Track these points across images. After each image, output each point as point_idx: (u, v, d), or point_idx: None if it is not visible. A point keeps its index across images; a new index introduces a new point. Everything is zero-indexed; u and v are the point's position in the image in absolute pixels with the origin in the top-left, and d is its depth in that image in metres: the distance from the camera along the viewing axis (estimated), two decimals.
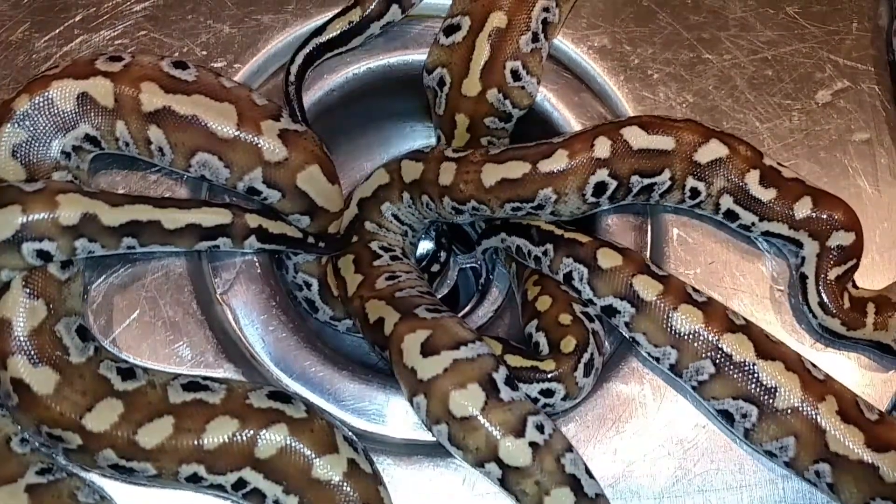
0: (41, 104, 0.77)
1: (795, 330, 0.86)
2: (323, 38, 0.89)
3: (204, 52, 0.90)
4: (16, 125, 0.77)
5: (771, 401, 0.78)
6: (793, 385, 0.78)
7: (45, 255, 0.75)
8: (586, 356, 0.81)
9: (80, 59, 0.81)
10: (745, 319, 0.82)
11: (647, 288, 0.81)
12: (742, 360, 0.79)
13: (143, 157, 0.81)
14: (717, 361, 0.79)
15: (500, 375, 0.76)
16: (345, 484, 0.76)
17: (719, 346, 0.79)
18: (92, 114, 0.78)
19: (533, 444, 0.74)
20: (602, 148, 0.81)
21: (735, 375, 0.79)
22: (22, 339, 0.74)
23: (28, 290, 0.75)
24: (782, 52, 0.93)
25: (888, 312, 0.84)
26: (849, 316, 0.84)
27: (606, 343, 0.86)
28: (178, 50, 0.89)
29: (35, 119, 0.77)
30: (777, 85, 0.92)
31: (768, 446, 0.80)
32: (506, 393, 0.75)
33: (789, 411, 0.78)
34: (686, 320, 0.80)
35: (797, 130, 0.91)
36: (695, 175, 0.83)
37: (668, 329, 0.80)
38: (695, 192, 0.84)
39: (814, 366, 0.81)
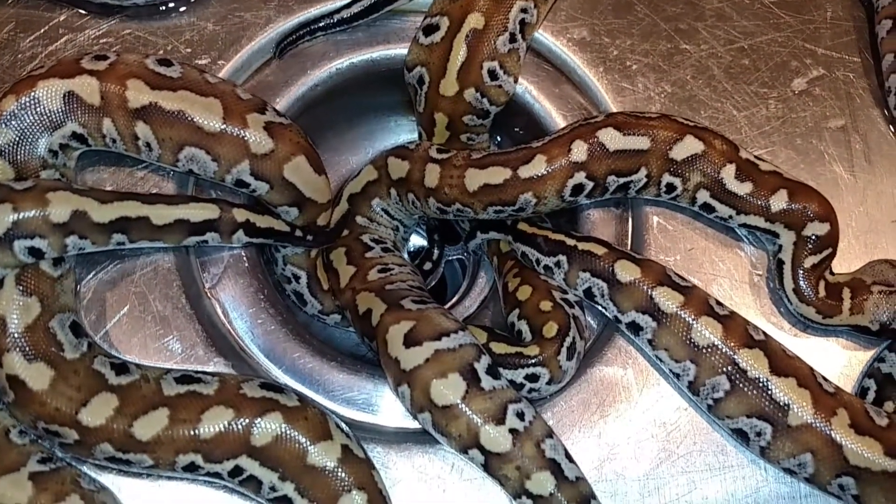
0: (28, 104, 0.78)
1: (774, 314, 0.88)
2: None
3: (188, 50, 0.90)
4: (3, 125, 0.78)
5: (784, 418, 0.79)
6: (804, 401, 0.79)
7: (36, 253, 0.76)
8: (568, 340, 0.82)
9: (65, 59, 0.82)
10: (764, 334, 0.82)
11: (668, 299, 0.81)
12: (756, 376, 0.79)
13: (130, 153, 0.82)
14: (733, 377, 0.80)
15: (481, 365, 0.78)
16: (339, 469, 0.77)
17: (735, 360, 0.79)
18: (79, 112, 0.79)
19: (513, 431, 0.76)
20: (579, 151, 0.82)
21: (749, 392, 0.79)
22: (16, 335, 0.75)
23: (21, 288, 0.76)
24: (758, 41, 0.94)
25: (863, 295, 0.85)
26: (825, 304, 0.85)
27: (591, 324, 0.87)
28: (162, 48, 0.90)
29: (22, 119, 0.78)
30: (754, 74, 0.93)
31: (786, 463, 0.80)
32: (487, 382, 0.77)
33: (802, 428, 0.78)
34: (705, 332, 0.80)
35: (774, 118, 0.92)
36: (671, 171, 0.84)
37: (688, 342, 0.80)
38: (671, 188, 0.85)
39: (825, 379, 0.82)
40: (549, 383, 0.82)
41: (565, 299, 0.85)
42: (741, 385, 0.80)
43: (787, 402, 0.79)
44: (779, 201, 0.84)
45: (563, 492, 0.77)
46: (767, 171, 0.85)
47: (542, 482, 0.76)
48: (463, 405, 0.76)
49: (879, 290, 0.85)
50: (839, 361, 0.87)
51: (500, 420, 0.76)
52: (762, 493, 0.83)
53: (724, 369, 0.80)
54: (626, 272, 0.83)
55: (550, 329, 0.82)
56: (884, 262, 0.88)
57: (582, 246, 0.84)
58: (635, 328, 0.83)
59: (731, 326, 0.81)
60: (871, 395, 0.84)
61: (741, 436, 0.81)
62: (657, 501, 0.83)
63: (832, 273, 0.87)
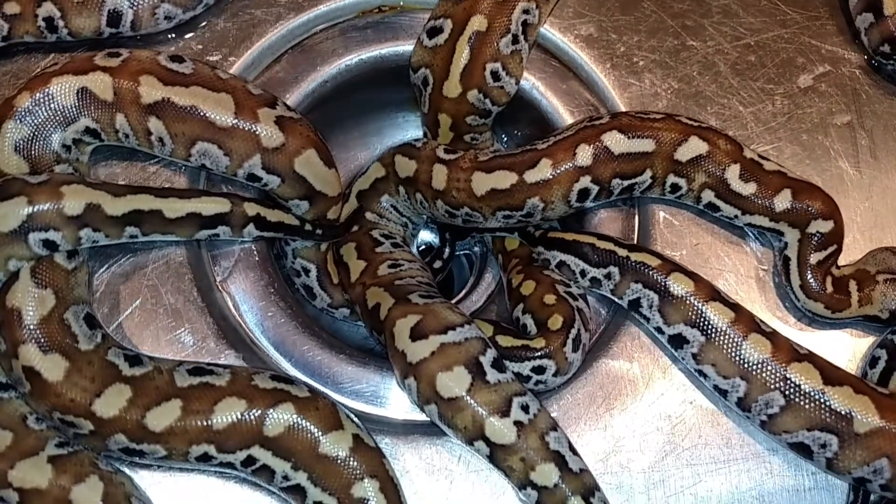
0: (42, 100, 0.79)
1: (779, 308, 0.88)
2: None
3: (199, 47, 0.91)
4: (18, 121, 0.79)
5: (849, 426, 0.78)
6: (867, 407, 0.78)
7: (51, 245, 0.77)
8: (573, 332, 0.83)
9: (78, 56, 0.83)
10: (806, 349, 0.82)
11: (719, 315, 0.81)
12: (811, 389, 0.78)
13: (143, 148, 0.83)
14: (787, 392, 0.79)
15: (486, 358, 0.78)
16: (351, 458, 0.78)
17: (787, 376, 0.79)
18: (92, 107, 0.80)
19: (518, 423, 0.77)
20: (584, 156, 0.82)
21: (806, 406, 0.79)
22: (32, 327, 0.76)
23: (36, 280, 0.77)
24: (764, 37, 0.95)
25: (870, 286, 0.85)
26: (833, 299, 0.85)
27: (601, 312, 0.88)
28: (173, 44, 0.91)
29: (36, 115, 0.79)
30: (760, 70, 0.94)
31: (858, 472, 0.79)
32: (492, 375, 0.78)
33: (873, 433, 0.77)
34: (755, 350, 0.80)
35: (780, 114, 0.93)
36: (676, 172, 0.84)
37: (738, 359, 0.80)
38: (675, 188, 0.86)
39: (875, 384, 0.81)
40: (555, 375, 0.83)
41: (569, 292, 0.86)
42: (796, 399, 0.79)
43: (848, 411, 0.78)
44: (783, 201, 0.84)
45: (568, 483, 0.77)
46: (771, 170, 0.85)
47: (547, 473, 0.77)
48: (468, 397, 0.77)
49: (885, 279, 0.85)
50: (845, 354, 0.87)
51: (504, 412, 0.77)
52: (766, 486, 0.84)
53: (777, 385, 0.79)
54: (680, 285, 0.82)
55: (555, 321, 0.83)
56: (885, 249, 0.88)
57: (635, 257, 0.84)
58: (680, 341, 0.83)
59: (778, 343, 0.81)
60: (881, 365, 0.84)
61: (803, 450, 0.80)
62: (662, 494, 0.84)
63: (837, 267, 0.87)
